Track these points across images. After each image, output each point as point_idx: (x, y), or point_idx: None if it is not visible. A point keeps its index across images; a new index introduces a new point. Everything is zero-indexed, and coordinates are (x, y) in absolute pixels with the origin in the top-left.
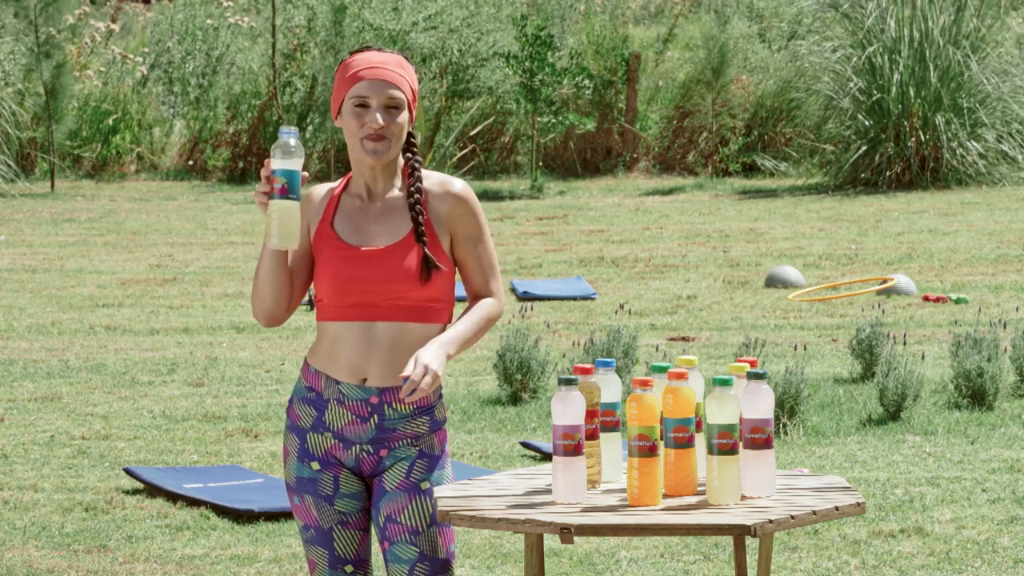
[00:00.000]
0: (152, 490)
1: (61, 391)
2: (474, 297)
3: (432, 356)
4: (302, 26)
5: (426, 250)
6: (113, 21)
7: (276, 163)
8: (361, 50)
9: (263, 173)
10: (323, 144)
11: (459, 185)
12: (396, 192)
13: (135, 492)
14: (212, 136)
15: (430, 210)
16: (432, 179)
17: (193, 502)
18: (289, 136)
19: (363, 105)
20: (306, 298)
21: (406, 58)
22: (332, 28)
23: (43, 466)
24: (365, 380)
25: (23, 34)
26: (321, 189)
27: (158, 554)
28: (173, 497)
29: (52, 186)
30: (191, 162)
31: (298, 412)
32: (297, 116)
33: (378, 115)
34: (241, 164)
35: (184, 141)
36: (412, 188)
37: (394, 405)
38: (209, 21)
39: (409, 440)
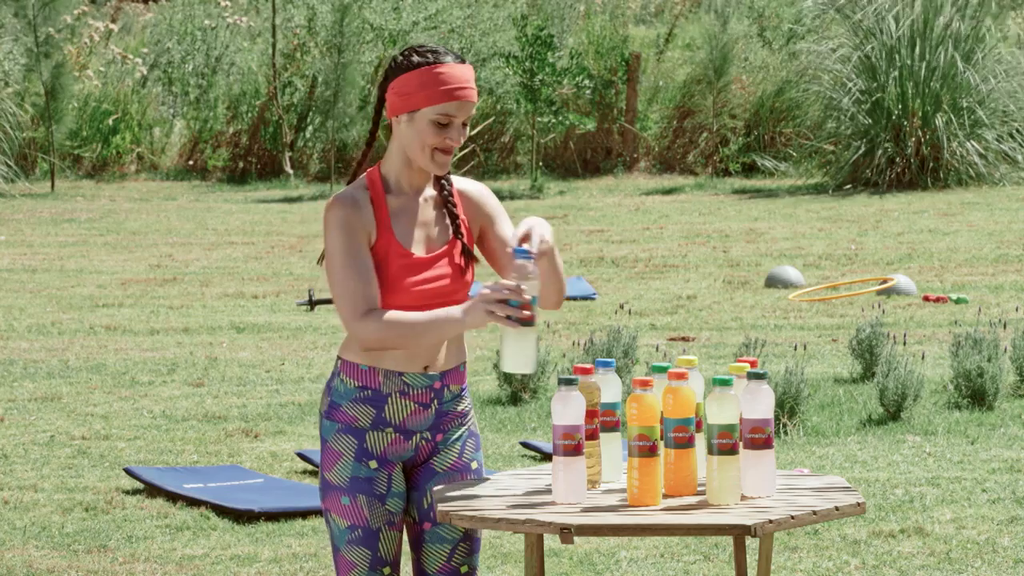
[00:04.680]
0: (152, 490)
1: (61, 391)
2: None
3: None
4: (302, 26)
5: (464, 242)
6: (113, 21)
7: (532, 290)
8: (436, 55)
9: (502, 295)
10: (323, 144)
11: (475, 183)
12: (431, 189)
13: (135, 492)
14: (212, 136)
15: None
16: (455, 179)
17: (193, 502)
18: (529, 260)
19: (448, 123)
20: (304, 299)
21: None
22: (334, 28)
23: (43, 466)
24: (427, 367)
25: (22, 34)
26: (359, 194)
27: (158, 554)
28: (173, 497)
29: (52, 186)
30: (191, 162)
31: (353, 414)
32: (297, 116)
33: (458, 133)
34: (241, 164)
35: (184, 141)
36: (444, 181)
37: (451, 387)
38: (208, 21)
39: (459, 420)
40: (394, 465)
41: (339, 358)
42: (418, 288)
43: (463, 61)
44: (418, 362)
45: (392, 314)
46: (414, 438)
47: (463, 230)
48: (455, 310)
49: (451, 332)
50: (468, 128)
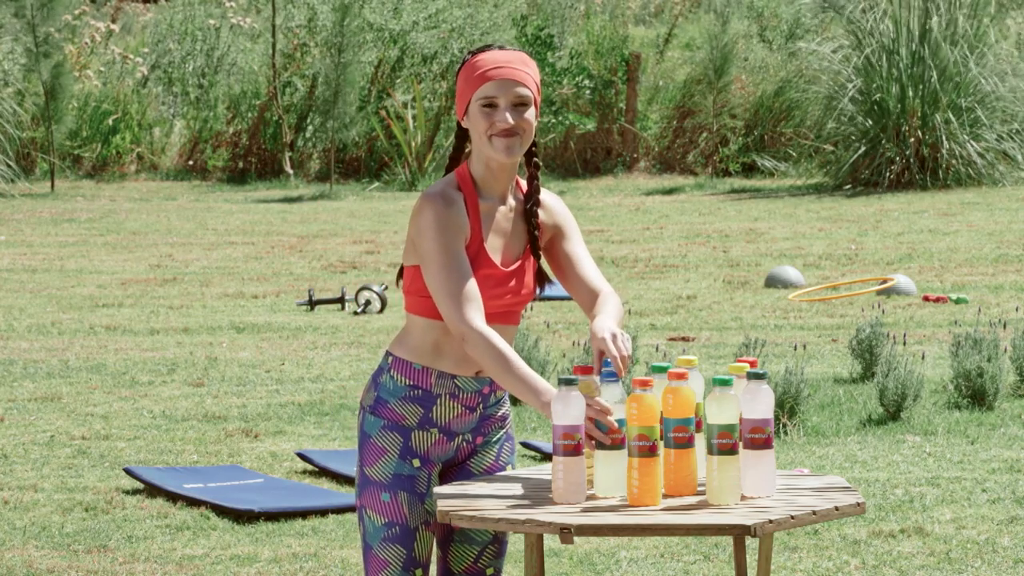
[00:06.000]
0: (152, 490)
1: (61, 391)
2: (593, 292)
3: (619, 329)
4: (302, 26)
5: (541, 264)
6: (113, 21)
7: (618, 413)
8: (483, 49)
9: (594, 415)
10: (323, 144)
11: (554, 195)
12: (513, 199)
13: (135, 492)
14: (212, 136)
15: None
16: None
17: (193, 502)
18: (616, 383)
19: (491, 105)
20: (304, 299)
21: (528, 55)
22: (334, 28)
23: (43, 466)
24: (479, 372)
25: (22, 34)
26: (452, 193)
27: (158, 554)
28: (173, 497)
29: (52, 186)
30: (191, 162)
31: (401, 412)
32: (297, 116)
33: (507, 114)
34: (241, 164)
35: (184, 141)
36: (533, 197)
37: (497, 392)
38: (210, 21)
39: (499, 423)
40: (434, 465)
41: (390, 354)
42: (489, 296)
43: (504, 48)
44: (471, 366)
45: (498, 343)
46: (456, 439)
47: (540, 250)
48: (545, 391)
49: (525, 400)
50: (531, 111)
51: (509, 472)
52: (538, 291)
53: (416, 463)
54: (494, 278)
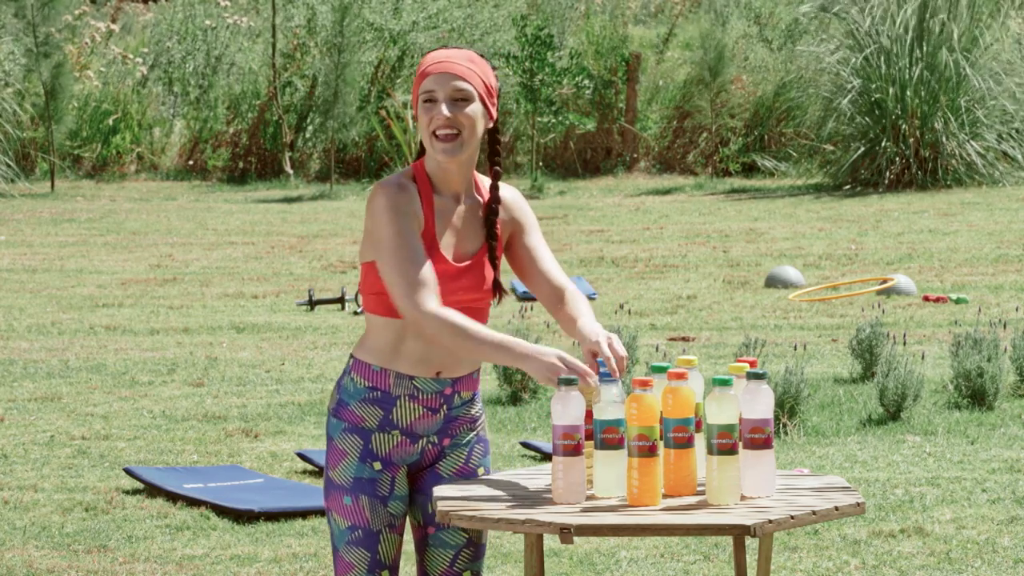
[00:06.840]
0: (152, 490)
1: (61, 391)
2: (556, 288)
3: (608, 332)
4: (302, 26)
5: (497, 276)
6: (113, 21)
7: (617, 413)
8: (433, 51)
9: (576, 373)
10: (323, 144)
11: (511, 189)
12: (469, 198)
13: (135, 492)
14: (212, 136)
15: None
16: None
17: (193, 502)
18: (614, 383)
19: (431, 100)
20: (304, 299)
21: (482, 56)
22: (333, 28)
23: (43, 466)
24: (439, 373)
25: (22, 34)
26: (407, 183)
27: (158, 554)
28: (173, 497)
29: (52, 186)
30: (191, 162)
31: (360, 414)
32: (297, 116)
33: (443, 107)
34: (241, 164)
35: (184, 141)
36: (492, 204)
37: (462, 393)
38: (208, 21)
39: (468, 425)
40: (398, 468)
41: (352, 356)
42: (447, 298)
43: (453, 47)
44: (431, 367)
45: (453, 318)
46: (420, 442)
47: (498, 254)
48: (516, 345)
49: (501, 361)
50: (473, 107)
51: (508, 473)
52: (495, 301)
53: (377, 466)
54: (447, 274)
